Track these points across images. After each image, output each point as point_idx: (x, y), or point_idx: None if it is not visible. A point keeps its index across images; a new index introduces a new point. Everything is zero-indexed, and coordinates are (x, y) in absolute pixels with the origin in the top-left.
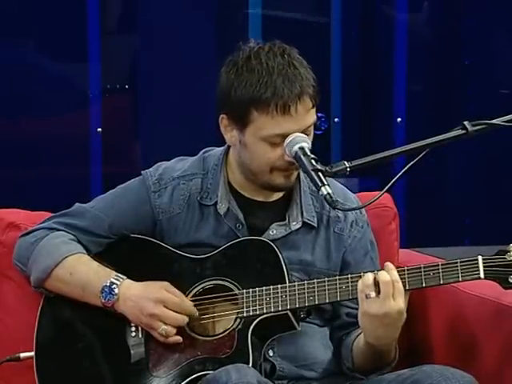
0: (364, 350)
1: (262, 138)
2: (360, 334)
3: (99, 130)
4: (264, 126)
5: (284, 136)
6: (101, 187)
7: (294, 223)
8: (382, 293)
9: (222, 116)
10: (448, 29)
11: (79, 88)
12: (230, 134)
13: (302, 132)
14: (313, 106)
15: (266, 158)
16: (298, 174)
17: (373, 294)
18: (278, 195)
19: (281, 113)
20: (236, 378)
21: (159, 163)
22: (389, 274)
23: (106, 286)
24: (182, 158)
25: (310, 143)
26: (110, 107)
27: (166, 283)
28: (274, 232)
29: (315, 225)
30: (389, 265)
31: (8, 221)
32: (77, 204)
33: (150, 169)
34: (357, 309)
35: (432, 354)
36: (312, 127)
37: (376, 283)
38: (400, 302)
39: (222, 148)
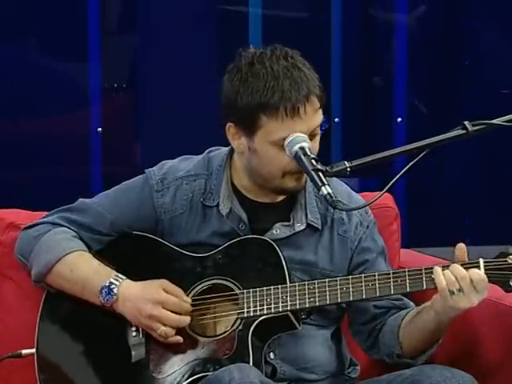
0: (424, 328)
1: (272, 143)
2: (404, 318)
3: (99, 129)
4: (274, 130)
5: None
6: (101, 187)
7: (298, 224)
8: (465, 288)
9: (229, 124)
10: (448, 29)
11: (79, 88)
12: (238, 142)
13: (310, 133)
14: (320, 106)
15: (278, 163)
16: None
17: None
18: (282, 196)
19: (290, 116)
20: (239, 377)
21: (163, 162)
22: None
23: (105, 286)
24: (186, 156)
25: (318, 143)
26: (110, 107)
27: (164, 281)
28: (278, 231)
29: (319, 227)
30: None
31: (8, 221)
32: (80, 199)
33: (154, 167)
34: (381, 299)
35: (432, 354)
36: (319, 127)
37: (456, 279)
38: (485, 293)
39: (226, 148)
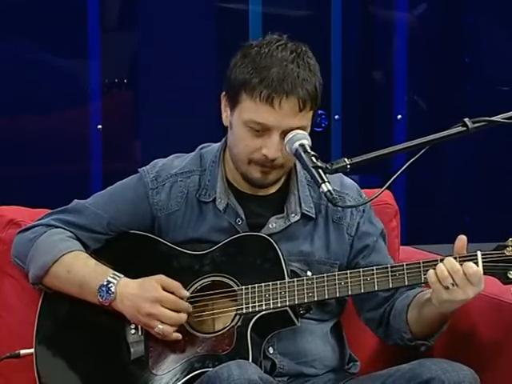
0: (430, 318)
1: (243, 122)
2: (410, 303)
3: (99, 126)
4: (247, 109)
5: (263, 126)
6: (101, 184)
7: (292, 215)
8: (458, 282)
9: (223, 94)
10: (448, 26)
11: (79, 85)
12: (225, 114)
13: (284, 131)
14: (300, 110)
15: (244, 145)
16: (294, 165)
17: (451, 284)
18: (275, 188)
19: (263, 101)
20: (237, 374)
21: (156, 160)
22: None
23: (103, 285)
24: (178, 154)
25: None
26: (110, 104)
27: (161, 277)
28: (274, 225)
29: (313, 216)
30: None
31: (8, 218)
32: (75, 200)
33: (147, 166)
34: None
35: (431, 349)
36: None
37: (449, 273)
38: (481, 286)
39: (218, 144)
